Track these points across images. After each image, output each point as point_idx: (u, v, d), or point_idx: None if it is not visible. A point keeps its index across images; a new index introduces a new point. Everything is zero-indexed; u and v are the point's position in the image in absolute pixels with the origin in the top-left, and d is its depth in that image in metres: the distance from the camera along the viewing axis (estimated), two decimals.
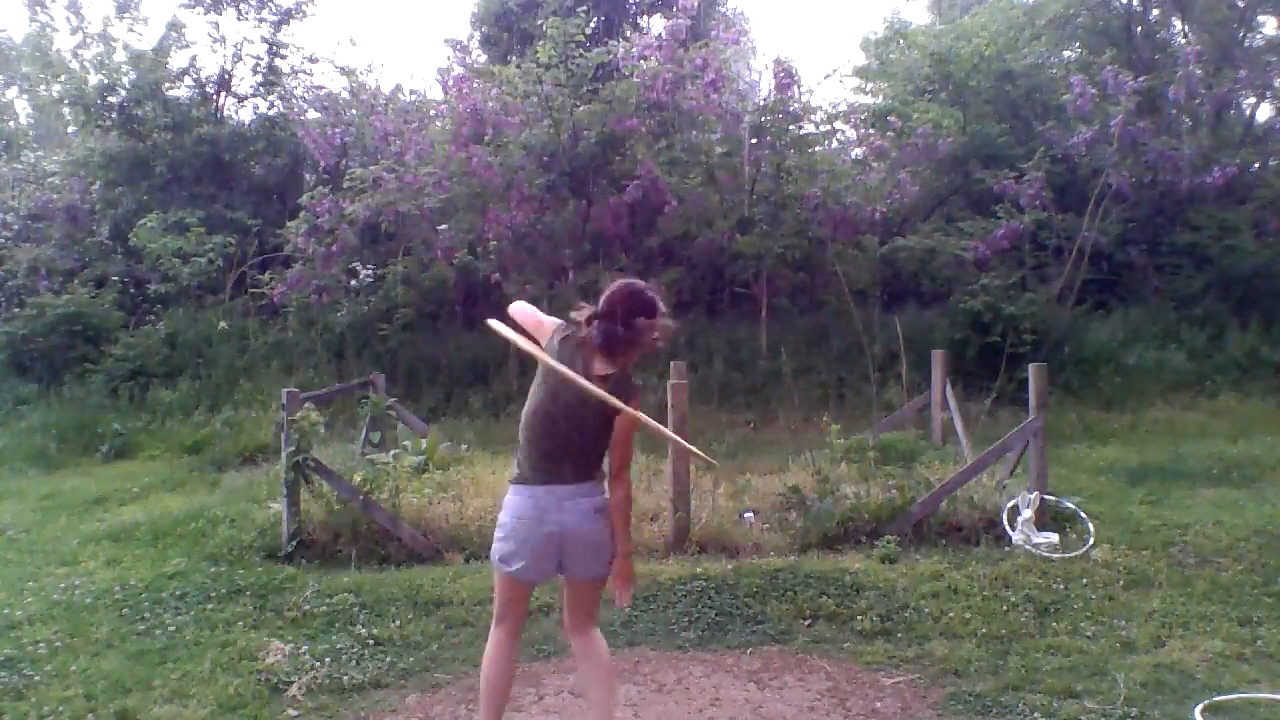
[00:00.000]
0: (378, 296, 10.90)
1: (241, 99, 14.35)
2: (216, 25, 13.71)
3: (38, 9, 22.85)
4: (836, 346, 10.85)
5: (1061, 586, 4.97)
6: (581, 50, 10.56)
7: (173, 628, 4.75)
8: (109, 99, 13.09)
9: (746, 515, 6.21)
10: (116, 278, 12.09)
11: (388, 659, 4.38)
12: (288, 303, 11.23)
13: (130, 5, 18.07)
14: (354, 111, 12.84)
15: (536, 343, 3.10)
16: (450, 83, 11.68)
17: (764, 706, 3.88)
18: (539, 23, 11.14)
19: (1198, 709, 3.63)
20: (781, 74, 10.80)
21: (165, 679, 4.16)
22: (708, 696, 3.95)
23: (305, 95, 14.31)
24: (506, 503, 3.13)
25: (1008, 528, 5.70)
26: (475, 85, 11.30)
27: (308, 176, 11.72)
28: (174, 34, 13.81)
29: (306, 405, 6.17)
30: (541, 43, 10.56)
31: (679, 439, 2.97)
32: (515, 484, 3.12)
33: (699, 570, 5.23)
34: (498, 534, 3.13)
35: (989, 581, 5.01)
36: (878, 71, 15.81)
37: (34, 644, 4.54)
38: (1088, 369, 10.30)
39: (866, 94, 15.63)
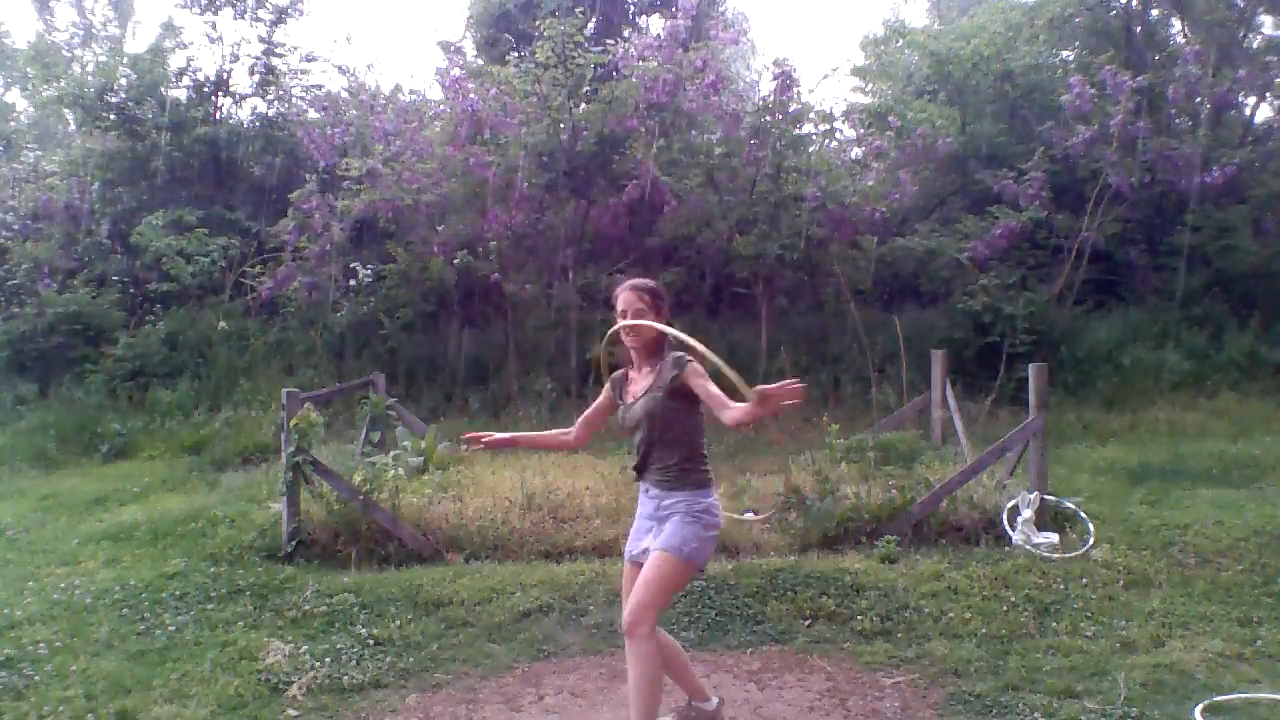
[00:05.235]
0: (377, 296, 10.89)
1: (239, 99, 14.35)
2: (214, 25, 13.72)
3: (45, 13, 22.88)
4: (836, 346, 10.85)
5: (1061, 586, 4.97)
6: (580, 50, 10.56)
7: (173, 628, 4.75)
8: (107, 99, 13.08)
9: (746, 515, 6.21)
10: (116, 278, 12.09)
11: (388, 659, 4.38)
12: (279, 300, 11.24)
13: (126, 6, 18.05)
14: (353, 111, 12.83)
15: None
16: (448, 83, 11.66)
17: (764, 706, 3.88)
18: (537, 24, 11.13)
19: (1198, 709, 3.64)
20: (781, 75, 10.79)
21: (165, 679, 4.17)
22: None
23: (303, 95, 14.31)
24: (716, 505, 3.38)
25: (1008, 528, 5.70)
26: (470, 86, 11.30)
27: (307, 176, 11.71)
28: (169, 36, 13.79)
29: (306, 405, 6.17)
30: (539, 43, 10.56)
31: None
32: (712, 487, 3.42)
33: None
34: (711, 535, 3.34)
35: (989, 581, 5.02)
36: (877, 72, 15.81)
37: (34, 644, 4.54)
38: (1087, 369, 10.30)
39: (866, 94, 15.64)
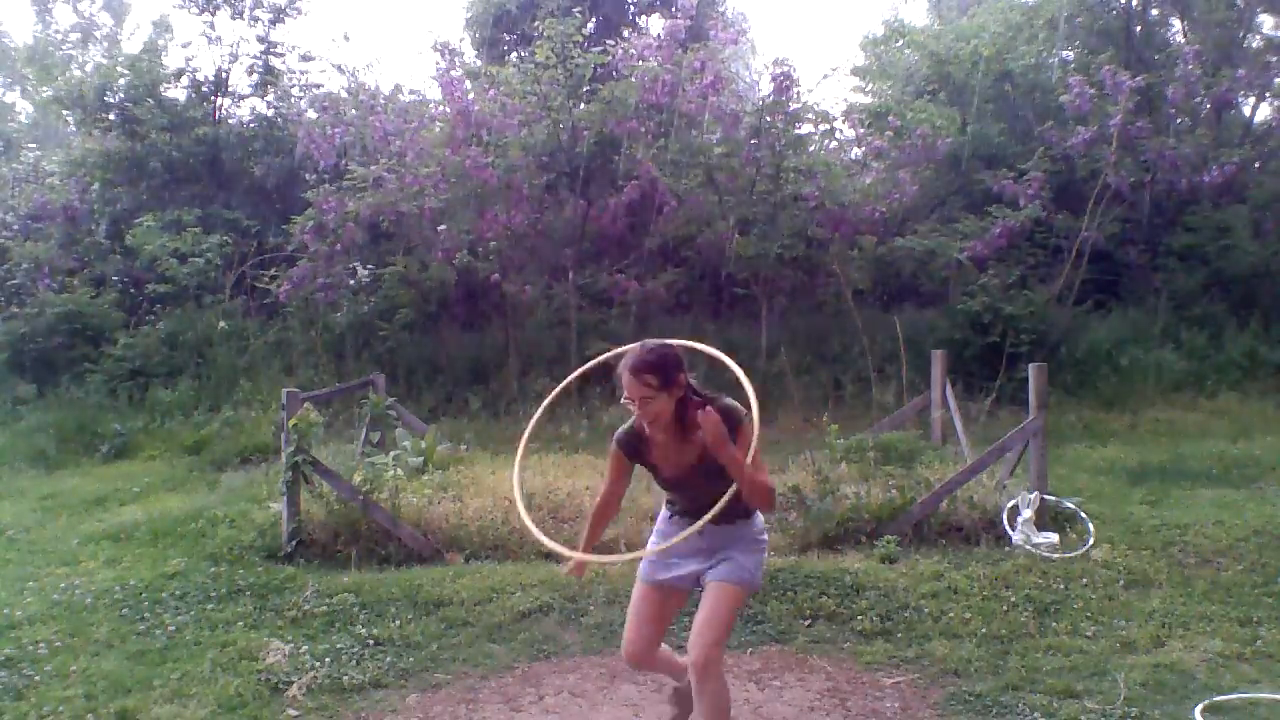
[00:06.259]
0: (378, 296, 10.89)
1: (238, 99, 14.35)
2: (211, 25, 13.72)
3: (44, 14, 22.88)
4: (836, 346, 10.85)
5: (1061, 586, 4.97)
6: (580, 50, 10.56)
7: (173, 628, 4.75)
8: (106, 99, 13.08)
9: None
10: (116, 278, 12.08)
11: (388, 659, 4.38)
12: (291, 301, 11.21)
13: (121, 6, 18.06)
14: (353, 111, 12.82)
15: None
16: (445, 84, 11.66)
17: (764, 706, 3.88)
18: (536, 24, 11.13)
19: (1198, 709, 3.64)
20: (780, 75, 10.79)
21: (165, 679, 4.17)
22: None
23: (303, 95, 14.30)
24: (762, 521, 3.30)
25: (1008, 528, 5.70)
26: (466, 86, 11.29)
27: (307, 176, 11.68)
28: (163, 33, 13.81)
29: (306, 405, 6.17)
30: (539, 43, 10.57)
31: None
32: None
33: None
34: (765, 553, 3.34)
35: (989, 581, 5.02)
36: (877, 72, 15.82)
37: (34, 644, 4.54)
38: (1087, 369, 10.29)
39: (866, 94, 15.66)
